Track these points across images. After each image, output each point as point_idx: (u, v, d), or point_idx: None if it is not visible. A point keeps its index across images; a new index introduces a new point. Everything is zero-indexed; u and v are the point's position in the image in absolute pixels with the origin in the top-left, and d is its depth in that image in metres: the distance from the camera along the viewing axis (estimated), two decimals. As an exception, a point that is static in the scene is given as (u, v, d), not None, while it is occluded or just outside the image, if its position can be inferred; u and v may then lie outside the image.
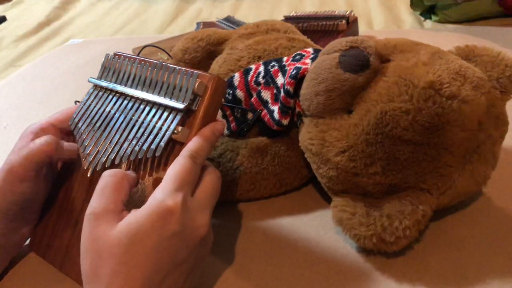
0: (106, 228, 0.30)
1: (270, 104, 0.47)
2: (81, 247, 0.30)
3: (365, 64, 0.38)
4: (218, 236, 0.36)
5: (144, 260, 0.29)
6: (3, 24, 1.30)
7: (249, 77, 0.49)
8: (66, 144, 0.39)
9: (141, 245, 0.29)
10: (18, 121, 0.70)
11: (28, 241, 0.42)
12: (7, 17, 1.34)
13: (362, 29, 0.97)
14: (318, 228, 0.43)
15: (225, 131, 0.50)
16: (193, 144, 0.34)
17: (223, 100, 0.44)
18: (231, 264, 0.40)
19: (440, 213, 0.42)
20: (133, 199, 0.36)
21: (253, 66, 0.50)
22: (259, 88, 0.48)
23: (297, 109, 0.44)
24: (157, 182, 0.35)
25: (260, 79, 0.48)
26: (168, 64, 0.37)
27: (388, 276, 0.38)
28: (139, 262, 0.29)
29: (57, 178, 0.42)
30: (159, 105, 0.37)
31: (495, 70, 0.40)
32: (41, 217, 0.41)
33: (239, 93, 0.49)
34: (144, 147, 0.35)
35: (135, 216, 0.30)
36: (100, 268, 0.29)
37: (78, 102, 0.43)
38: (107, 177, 0.32)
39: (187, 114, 0.36)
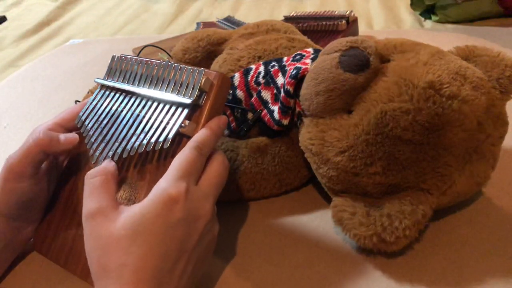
0: (105, 224, 0.30)
1: (270, 104, 0.47)
2: (85, 249, 0.31)
3: (365, 64, 0.38)
4: (219, 236, 0.36)
5: (151, 249, 0.29)
6: (3, 24, 1.30)
7: (249, 77, 0.49)
8: (62, 137, 0.38)
9: (147, 234, 0.29)
10: (18, 121, 0.70)
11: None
12: (7, 17, 1.34)
13: (362, 29, 0.97)
14: (318, 228, 0.43)
15: (225, 131, 0.50)
16: (199, 135, 0.34)
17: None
18: (231, 264, 0.40)
19: (440, 213, 0.42)
20: (139, 194, 0.36)
21: (253, 66, 0.50)
22: (259, 88, 0.48)
23: (297, 109, 0.44)
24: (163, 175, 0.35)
25: (260, 79, 0.48)
26: (174, 64, 0.37)
27: (388, 276, 0.38)
28: (146, 251, 0.29)
29: (61, 176, 0.42)
30: (166, 101, 0.37)
31: (495, 70, 0.40)
32: (44, 216, 0.41)
33: (239, 93, 0.49)
34: (152, 140, 0.35)
35: (139, 207, 0.30)
36: (107, 262, 0.29)
37: (78, 101, 0.43)
38: (91, 178, 0.33)
39: (193, 110, 0.36)
